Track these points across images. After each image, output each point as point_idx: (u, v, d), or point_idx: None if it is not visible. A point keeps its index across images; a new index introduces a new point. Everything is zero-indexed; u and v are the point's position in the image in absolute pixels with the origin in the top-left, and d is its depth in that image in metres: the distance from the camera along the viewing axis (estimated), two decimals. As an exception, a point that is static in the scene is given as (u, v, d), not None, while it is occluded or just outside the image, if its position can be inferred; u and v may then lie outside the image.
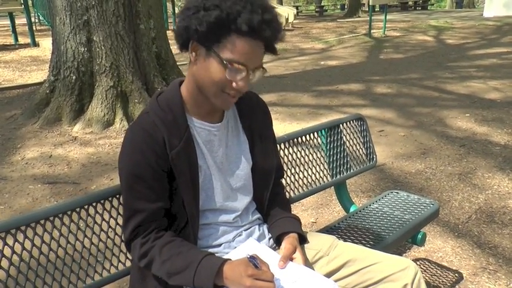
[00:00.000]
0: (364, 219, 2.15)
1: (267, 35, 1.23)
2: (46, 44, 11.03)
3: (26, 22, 12.45)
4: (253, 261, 1.20)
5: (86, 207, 1.52)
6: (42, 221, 1.43)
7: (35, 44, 12.10)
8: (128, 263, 1.60)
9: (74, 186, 3.89)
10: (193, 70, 1.31)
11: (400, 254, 2.71)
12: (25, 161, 4.48)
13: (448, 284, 2.43)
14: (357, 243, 1.91)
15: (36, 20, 16.68)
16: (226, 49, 1.23)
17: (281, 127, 5.24)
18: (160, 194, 1.34)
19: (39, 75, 8.43)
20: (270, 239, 1.51)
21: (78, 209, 1.51)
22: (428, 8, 29.47)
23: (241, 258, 1.24)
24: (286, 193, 2.05)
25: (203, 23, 1.20)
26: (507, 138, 4.64)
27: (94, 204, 1.54)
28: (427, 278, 2.48)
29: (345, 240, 1.92)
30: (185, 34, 1.27)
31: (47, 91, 5.83)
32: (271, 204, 1.55)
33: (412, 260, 2.63)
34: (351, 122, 2.40)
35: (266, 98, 6.60)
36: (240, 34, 1.21)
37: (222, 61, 1.23)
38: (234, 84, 1.27)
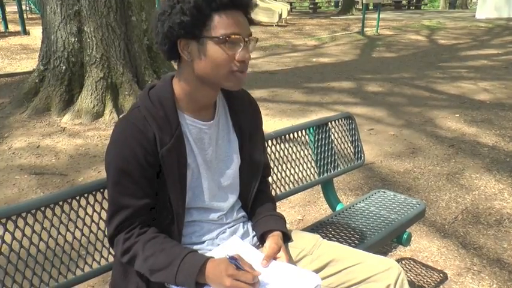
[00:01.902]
0: (350, 218, 2.15)
1: (244, 2, 1.27)
2: (37, 32, 10.91)
3: (17, 10, 12.32)
4: (234, 262, 1.19)
5: (69, 200, 1.50)
6: (23, 214, 1.41)
7: (26, 32, 11.99)
8: (111, 259, 1.58)
9: (61, 177, 3.85)
10: (192, 68, 1.29)
11: (386, 254, 2.72)
12: (12, 151, 4.43)
13: (433, 284, 2.45)
14: (342, 242, 1.91)
15: (28, 8, 16.50)
16: (215, 29, 1.24)
17: (271, 123, 5.23)
18: (147, 191, 1.32)
19: (29, 63, 8.34)
20: (254, 236, 1.50)
21: (61, 203, 1.48)
22: (422, 8, 29.57)
23: (224, 257, 1.23)
24: (273, 191, 2.04)
25: (185, 12, 1.21)
26: (495, 139, 4.68)
27: (77, 197, 1.52)
28: (411, 277, 2.50)
29: (330, 239, 1.92)
30: (170, 36, 1.26)
31: (36, 80, 5.78)
32: (257, 202, 1.54)
33: (398, 260, 2.65)
34: (340, 120, 2.40)
35: (257, 93, 6.59)
36: (221, 10, 1.23)
37: (218, 39, 1.24)
38: (237, 56, 1.27)
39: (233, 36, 1.24)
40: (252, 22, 1.34)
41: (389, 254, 2.73)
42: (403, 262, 2.65)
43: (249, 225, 1.53)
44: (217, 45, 1.24)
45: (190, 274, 1.21)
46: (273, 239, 1.40)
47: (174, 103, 1.33)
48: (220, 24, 1.24)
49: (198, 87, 1.33)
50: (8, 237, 1.39)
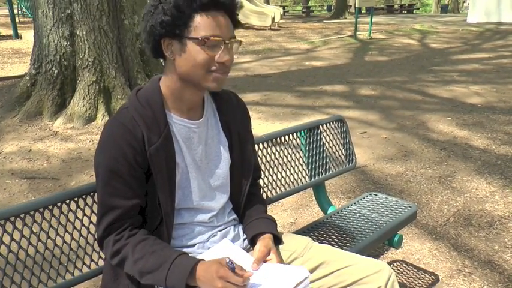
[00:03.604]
0: (342, 221, 2.15)
1: (227, 2, 1.28)
2: (29, 36, 10.87)
3: (8, 13, 12.27)
4: (230, 265, 1.19)
5: (58, 204, 1.49)
6: (12, 218, 1.40)
7: (18, 36, 11.94)
8: (101, 263, 1.58)
9: (53, 182, 3.83)
10: (175, 66, 1.31)
11: (378, 256, 2.73)
12: (3, 155, 4.40)
13: (424, 286, 2.45)
14: (333, 244, 1.91)
15: (20, 12, 16.44)
16: (196, 30, 1.26)
17: (263, 127, 5.23)
18: (137, 191, 1.32)
19: (21, 67, 8.30)
20: (244, 239, 1.50)
21: (50, 206, 1.48)
22: (414, 12, 29.78)
23: (215, 259, 1.23)
24: (264, 194, 2.04)
25: (166, 12, 1.24)
26: (486, 142, 4.71)
27: (67, 201, 1.51)
28: (403, 279, 2.50)
29: (321, 242, 1.92)
30: (153, 34, 1.29)
31: (28, 84, 5.75)
32: (248, 205, 1.54)
33: (390, 262, 2.65)
34: (331, 123, 2.40)
35: (250, 97, 6.60)
36: (203, 11, 1.25)
37: (198, 40, 1.26)
38: (217, 57, 1.28)
39: (212, 38, 1.26)
40: (239, 24, 1.36)
41: (381, 256, 2.73)
42: (395, 264, 2.65)
43: (240, 228, 1.53)
44: (197, 46, 1.27)
45: (180, 277, 1.20)
46: (263, 242, 1.40)
47: (162, 103, 1.34)
48: (201, 25, 1.26)
49: (183, 86, 1.34)
50: (-4, 242, 1.38)
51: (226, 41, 1.29)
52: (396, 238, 2.17)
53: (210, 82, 1.31)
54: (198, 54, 1.27)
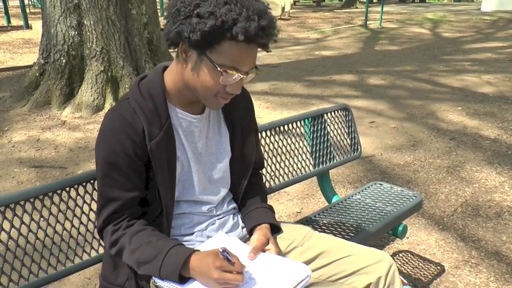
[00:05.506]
0: (346, 210, 2.13)
1: (263, 42, 1.18)
2: (39, 26, 10.89)
3: (19, 4, 12.34)
4: (225, 254, 1.18)
5: (58, 191, 1.49)
6: (12, 205, 1.40)
7: (28, 26, 12.00)
8: (101, 250, 1.58)
9: (61, 170, 3.86)
10: (184, 71, 1.26)
11: (383, 246, 2.70)
12: (12, 144, 4.43)
13: (430, 277, 2.43)
14: (336, 234, 1.89)
15: (30, 2, 16.53)
16: (219, 54, 1.17)
17: (271, 116, 5.21)
18: (137, 183, 1.31)
19: (31, 57, 8.34)
20: (243, 228, 1.49)
21: (50, 194, 1.48)
22: (427, 1, 29.39)
23: (210, 250, 1.22)
24: (267, 182, 2.03)
25: (197, 31, 1.13)
26: (497, 132, 4.64)
27: (67, 188, 1.51)
28: (408, 270, 2.48)
29: (324, 231, 1.91)
30: (176, 38, 1.20)
31: (37, 74, 5.78)
32: (247, 194, 1.52)
33: (395, 252, 2.63)
34: (336, 111, 2.37)
35: (258, 87, 6.57)
36: (234, 40, 1.15)
37: (215, 67, 1.19)
38: (227, 88, 1.24)
39: (230, 71, 1.19)
40: (267, 50, 1.25)
41: (387, 246, 2.71)
42: (400, 255, 2.63)
43: (239, 217, 1.52)
44: (212, 71, 1.20)
45: (174, 267, 1.20)
46: (261, 232, 1.39)
47: (164, 96, 1.30)
48: (225, 53, 1.17)
49: (186, 87, 1.30)
50: (-4, 228, 1.38)
51: (243, 75, 1.23)
52: (400, 228, 2.15)
53: (210, 103, 1.29)
54: (210, 79, 1.21)
